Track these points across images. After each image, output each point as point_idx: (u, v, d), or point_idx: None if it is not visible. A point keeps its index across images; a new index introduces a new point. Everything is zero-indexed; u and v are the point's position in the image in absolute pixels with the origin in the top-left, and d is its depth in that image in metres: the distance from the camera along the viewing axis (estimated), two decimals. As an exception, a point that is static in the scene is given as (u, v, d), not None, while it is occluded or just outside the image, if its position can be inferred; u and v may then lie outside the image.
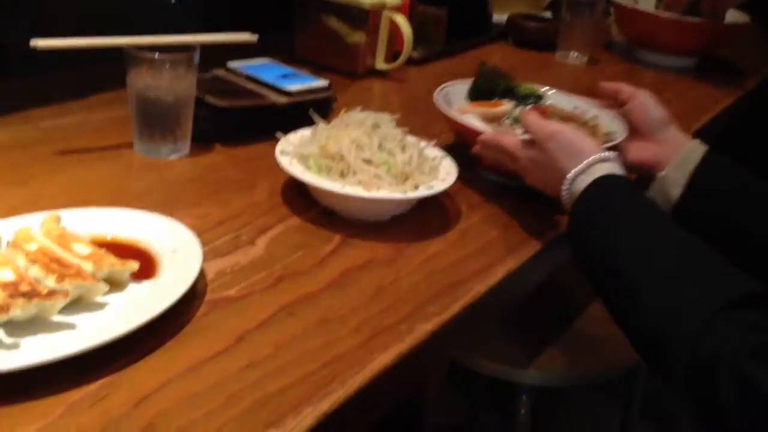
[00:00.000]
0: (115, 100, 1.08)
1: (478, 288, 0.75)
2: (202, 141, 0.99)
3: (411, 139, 0.90)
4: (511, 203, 0.93)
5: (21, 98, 1.06)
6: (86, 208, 0.75)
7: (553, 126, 0.82)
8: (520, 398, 1.23)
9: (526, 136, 0.84)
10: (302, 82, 1.07)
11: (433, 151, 0.92)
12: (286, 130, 0.92)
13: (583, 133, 0.84)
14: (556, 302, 1.40)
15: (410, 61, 1.37)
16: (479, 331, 1.16)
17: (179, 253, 0.70)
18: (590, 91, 1.08)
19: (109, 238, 0.72)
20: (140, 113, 0.93)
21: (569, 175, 0.78)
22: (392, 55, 1.35)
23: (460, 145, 0.99)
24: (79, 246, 0.67)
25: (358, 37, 1.30)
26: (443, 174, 0.88)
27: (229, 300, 0.69)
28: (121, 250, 0.70)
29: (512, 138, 0.86)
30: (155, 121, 0.93)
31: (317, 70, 1.28)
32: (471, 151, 0.93)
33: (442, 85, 1.05)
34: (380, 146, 0.85)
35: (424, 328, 0.68)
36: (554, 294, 1.41)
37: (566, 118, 1.00)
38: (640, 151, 0.94)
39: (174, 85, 0.92)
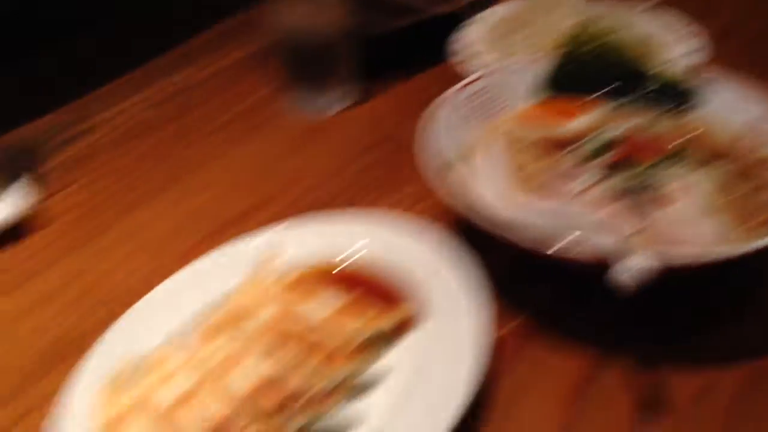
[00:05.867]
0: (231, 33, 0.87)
1: None
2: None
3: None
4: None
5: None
6: (278, 223, 0.54)
7: None
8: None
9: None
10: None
11: None
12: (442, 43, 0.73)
13: None
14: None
15: None
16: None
17: (444, 276, 0.48)
18: None
19: (337, 260, 0.51)
20: (293, 60, 0.72)
21: None
22: None
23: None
24: (320, 304, 0.46)
25: None
26: None
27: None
28: (360, 285, 0.49)
29: None
30: (312, 66, 0.72)
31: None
32: None
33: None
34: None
35: None
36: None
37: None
38: None
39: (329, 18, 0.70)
